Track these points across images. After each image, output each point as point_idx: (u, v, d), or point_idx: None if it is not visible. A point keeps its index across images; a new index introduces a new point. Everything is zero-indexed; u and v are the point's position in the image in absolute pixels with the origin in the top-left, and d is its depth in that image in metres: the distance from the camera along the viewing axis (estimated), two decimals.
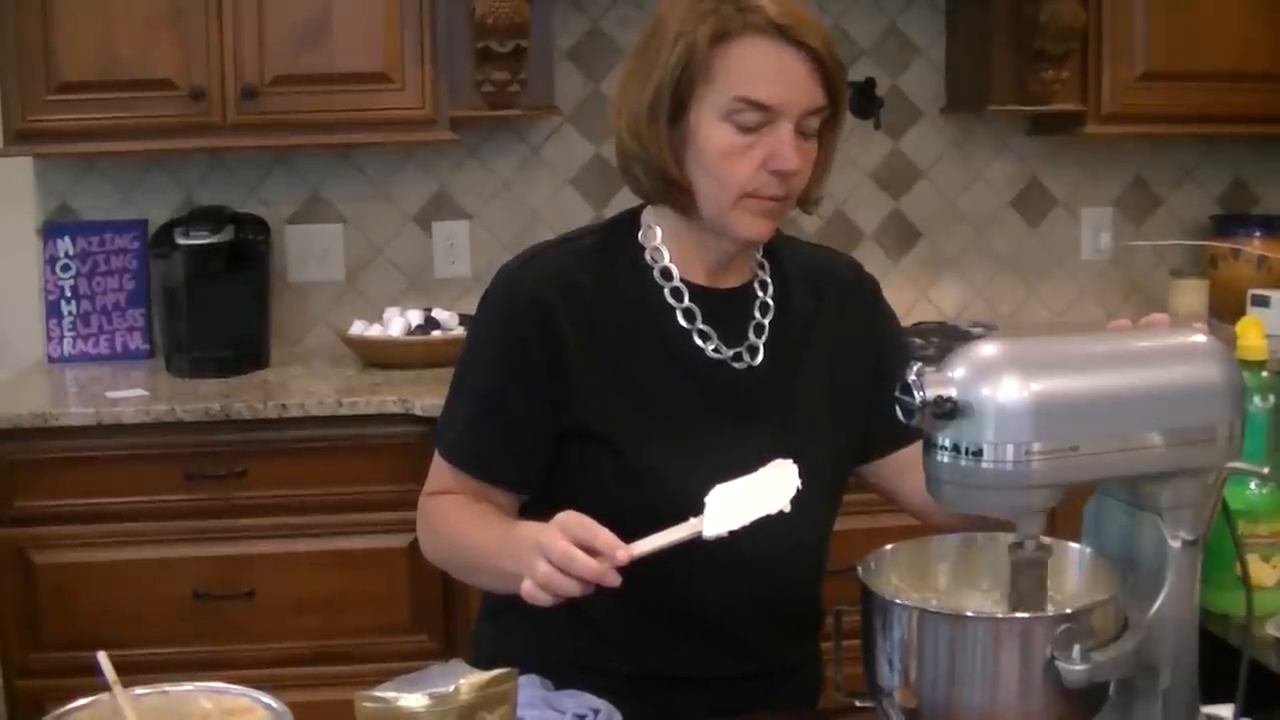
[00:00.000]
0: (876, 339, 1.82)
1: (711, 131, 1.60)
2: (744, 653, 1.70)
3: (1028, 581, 1.30)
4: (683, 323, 1.69)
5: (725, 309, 1.72)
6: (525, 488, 1.71)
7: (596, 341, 1.66)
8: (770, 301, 1.75)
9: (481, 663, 1.74)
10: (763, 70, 1.57)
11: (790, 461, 1.47)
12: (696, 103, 1.60)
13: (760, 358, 1.71)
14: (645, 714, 1.60)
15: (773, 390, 1.71)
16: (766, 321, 1.73)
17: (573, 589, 1.42)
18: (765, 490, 1.46)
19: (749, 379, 1.70)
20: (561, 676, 1.62)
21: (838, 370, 1.76)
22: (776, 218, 1.66)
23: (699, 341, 1.69)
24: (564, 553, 1.41)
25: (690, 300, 1.70)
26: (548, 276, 1.69)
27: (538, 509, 1.63)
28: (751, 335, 1.72)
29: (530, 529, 1.51)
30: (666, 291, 1.70)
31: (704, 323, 1.70)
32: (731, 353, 1.70)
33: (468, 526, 1.67)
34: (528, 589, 1.44)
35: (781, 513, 1.44)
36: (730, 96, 1.58)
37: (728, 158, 1.60)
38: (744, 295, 1.74)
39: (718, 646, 1.69)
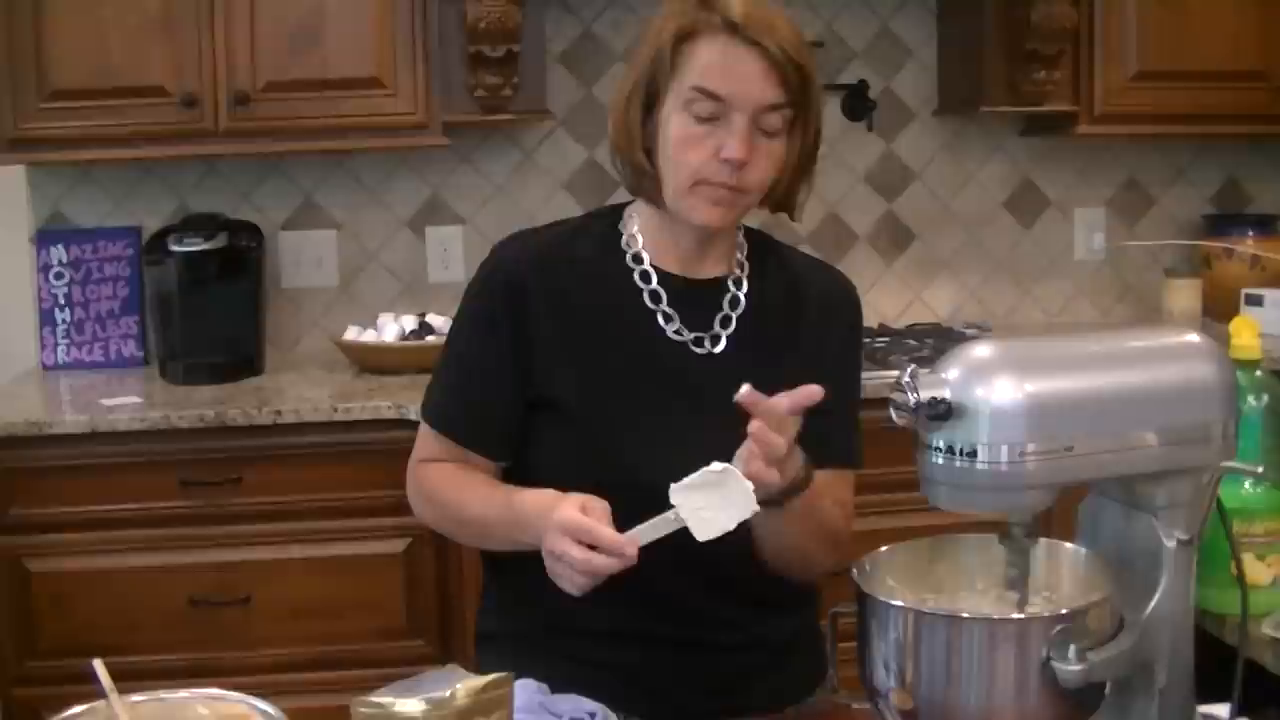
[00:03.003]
0: (841, 360, 1.86)
1: (673, 120, 1.70)
2: (723, 625, 1.76)
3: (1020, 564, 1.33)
4: (648, 303, 1.78)
5: (694, 297, 1.79)
6: (500, 455, 1.80)
7: (564, 318, 1.75)
8: (742, 296, 1.80)
9: (482, 639, 1.87)
10: (717, 64, 1.67)
11: (727, 465, 1.52)
12: (664, 97, 1.71)
13: (721, 346, 1.78)
14: (635, 690, 1.69)
15: (729, 378, 1.72)
16: (735, 314, 1.79)
17: (598, 580, 1.54)
18: (723, 488, 1.51)
19: (707, 364, 1.77)
20: (552, 645, 1.72)
21: (803, 369, 1.77)
22: (731, 208, 1.72)
23: (661, 322, 1.77)
24: (584, 561, 1.52)
25: (659, 284, 1.78)
26: (525, 254, 1.80)
27: (512, 475, 1.78)
28: (717, 325, 1.79)
29: (531, 511, 1.63)
30: (636, 274, 1.79)
31: (669, 306, 1.77)
32: (693, 336, 1.77)
33: (465, 496, 1.77)
34: (565, 587, 1.57)
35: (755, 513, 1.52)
36: (688, 86, 1.68)
37: (684, 144, 1.69)
38: (716, 288, 1.81)
39: (694, 618, 1.74)
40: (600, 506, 1.55)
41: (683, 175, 1.69)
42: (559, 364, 1.74)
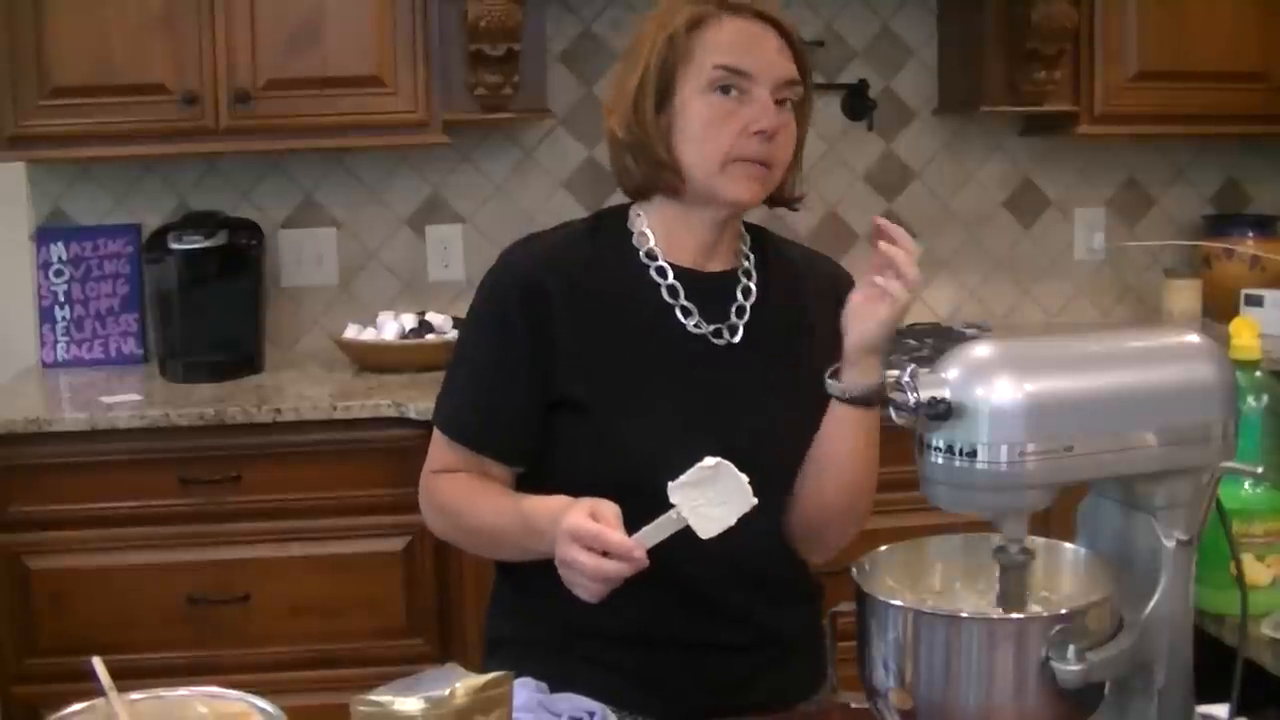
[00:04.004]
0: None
1: (697, 104, 1.72)
2: (735, 621, 1.76)
3: (1014, 582, 1.31)
4: (666, 298, 1.78)
5: (708, 290, 1.80)
6: (518, 460, 1.79)
7: (582, 317, 1.75)
8: (753, 286, 1.82)
9: (492, 646, 1.86)
10: (738, 41, 1.72)
11: (720, 459, 1.53)
12: (680, 86, 1.72)
13: (739, 335, 1.79)
14: (647, 692, 1.70)
15: (750, 366, 1.79)
16: (748, 304, 1.81)
17: (613, 585, 1.54)
18: (719, 483, 1.52)
19: (728, 354, 1.78)
20: (564, 648, 1.71)
21: (811, 355, 1.80)
22: (763, 184, 1.75)
23: (680, 317, 1.78)
24: (595, 568, 1.52)
25: (674, 279, 1.79)
26: (538, 256, 1.79)
27: (528, 481, 1.77)
28: (733, 315, 1.80)
29: (543, 517, 1.62)
30: (651, 270, 1.79)
31: (687, 300, 1.78)
32: (712, 329, 1.78)
33: (477, 506, 1.76)
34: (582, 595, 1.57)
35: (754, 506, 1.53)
36: (711, 66, 1.71)
37: (713, 125, 1.71)
38: (727, 279, 1.82)
39: (710, 613, 1.75)
40: (611, 511, 1.55)
41: (713, 156, 1.71)
42: (580, 364, 1.73)
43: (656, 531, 1.52)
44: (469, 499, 1.77)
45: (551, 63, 3.60)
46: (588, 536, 1.52)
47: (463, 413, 1.80)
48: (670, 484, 1.51)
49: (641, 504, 1.53)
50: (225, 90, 3.17)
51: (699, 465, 1.51)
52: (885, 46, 3.75)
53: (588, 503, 1.56)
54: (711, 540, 1.53)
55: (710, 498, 1.51)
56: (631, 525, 1.54)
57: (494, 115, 3.33)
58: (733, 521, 1.52)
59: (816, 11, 3.67)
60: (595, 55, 3.63)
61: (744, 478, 1.52)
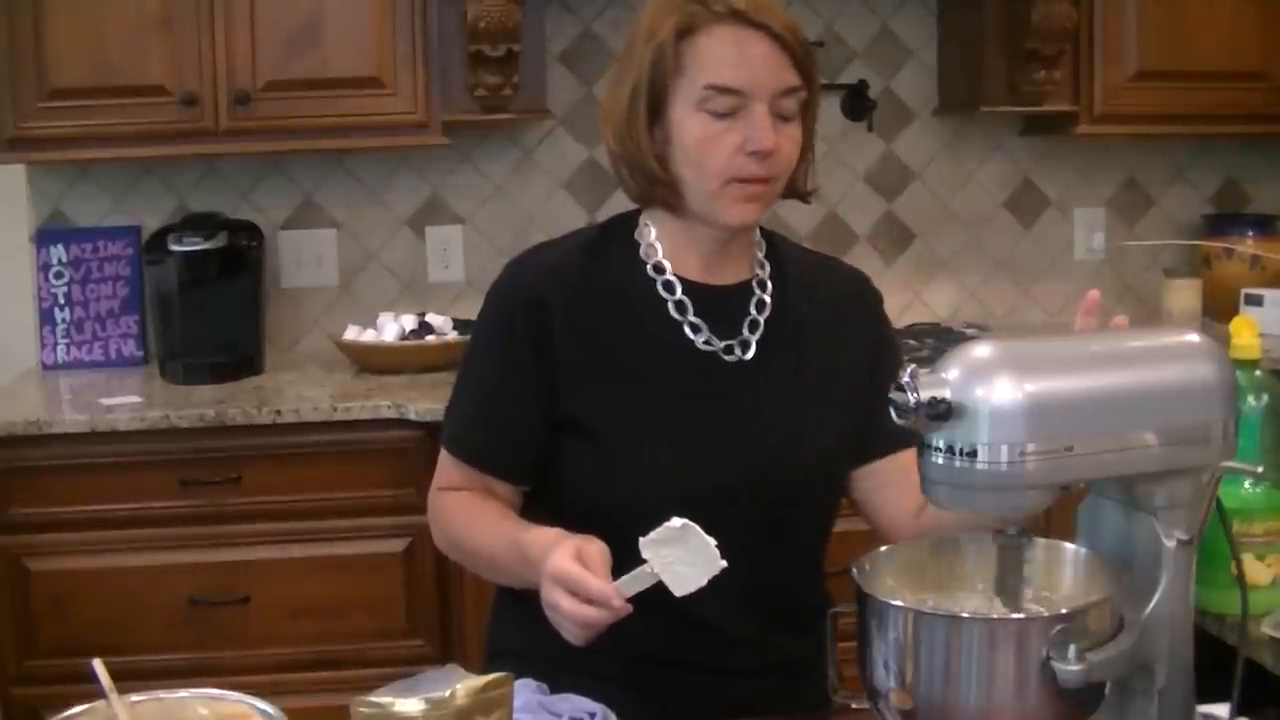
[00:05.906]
0: (875, 347, 1.82)
1: (688, 122, 1.64)
2: (745, 645, 1.72)
3: (1012, 563, 1.32)
4: (674, 314, 1.72)
5: (719, 304, 1.73)
6: (524, 479, 1.75)
7: (588, 333, 1.69)
8: (767, 300, 1.76)
9: (493, 656, 1.82)
10: (728, 56, 1.62)
11: (686, 521, 1.46)
12: (672, 98, 1.65)
13: (752, 352, 1.73)
14: (650, 708, 1.65)
15: (762, 384, 1.72)
16: (762, 318, 1.74)
17: (596, 630, 1.49)
18: (686, 543, 1.47)
19: (739, 371, 1.72)
20: (566, 662, 1.65)
21: (832, 371, 1.77)
22: (763, 202, 1.68)
23: (690, 333, 1.71)
24: (575, 614, 1.47)
25: (683, 294, 1.72)
26: (543, 270, 1.73)
27: (535, 502, 1.73)
28: (745, 330, 1.74)
29: (536, 549, 1.55)
30: (659, 285, 1.73)
31: (695, 316, 1.72)
32: (723, 345, 1.72)
33: (477, 529, 1.72)
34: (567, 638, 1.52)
35: (723, 569, 1.46)
36: (700, 85, 1.62)
37: (705, 145, 1.63)
38: (740, 292, 1.76)
39: (718, 638, 1.70)
40: (598, 552, 1.49)
41: (710, 176, 1.64)
42: (586, 382, 1.68)
43: (634, 582, 1.47)
44: (469, 521, 1.73)
45: (551, 63, 3.60)
46: (569, 581, 1.47)
47: (467, 430, 1.76)
48: (641, 539, 1.46)
49: (646, 529, 1.47)
50: (225, 91, 3.17)
51: (666, 525, 1.46)
52: (885, 46, 3.75)
53: (574, 543, 1.50)
54: (721, 571, 1.48)
55: (680, 555, 1.46)
56: (633, 553, 1.48)
57: (494, 116, 3.32)
58: (703, 583, 1.47)
59: (816, 11, 3.67)
60: (595, 55, 3.63)
61: (711, 541, 1.45)
